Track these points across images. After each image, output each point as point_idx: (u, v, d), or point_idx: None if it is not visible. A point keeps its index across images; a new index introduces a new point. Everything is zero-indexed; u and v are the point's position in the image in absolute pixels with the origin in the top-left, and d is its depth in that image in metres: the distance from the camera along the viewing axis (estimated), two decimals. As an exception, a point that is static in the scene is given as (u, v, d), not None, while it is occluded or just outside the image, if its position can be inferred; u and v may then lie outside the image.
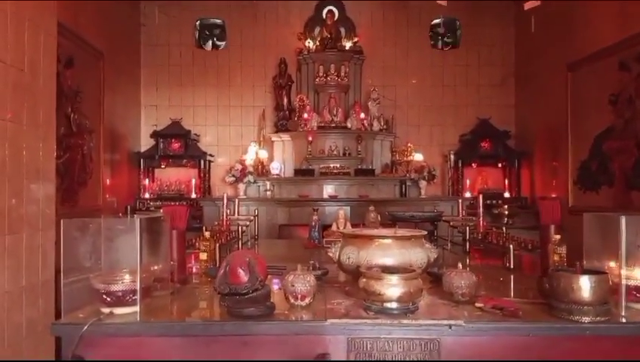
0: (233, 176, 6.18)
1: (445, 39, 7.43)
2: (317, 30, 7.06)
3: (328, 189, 6.38)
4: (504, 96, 7.33)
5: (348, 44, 6.93)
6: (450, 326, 1.57)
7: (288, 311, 1.72)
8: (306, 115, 6.48)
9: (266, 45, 7.25)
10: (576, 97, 5.78)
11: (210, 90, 7.36)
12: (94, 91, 5.80)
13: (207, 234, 2.39)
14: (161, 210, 2.35)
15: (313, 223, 3.89)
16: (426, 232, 2.03)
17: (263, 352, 1.60)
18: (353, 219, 4.92)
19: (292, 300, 1.75)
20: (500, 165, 7.02)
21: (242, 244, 3.46)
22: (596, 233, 1.89)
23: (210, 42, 7.45)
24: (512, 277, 2.53)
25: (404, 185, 6.48)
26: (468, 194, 6.57)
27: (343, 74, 6.73)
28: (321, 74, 6.72)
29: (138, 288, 1.67)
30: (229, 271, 1.71)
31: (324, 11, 7.05)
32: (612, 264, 1.78)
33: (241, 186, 6.27)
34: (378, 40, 7.24)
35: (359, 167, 6.47)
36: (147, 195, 6.89)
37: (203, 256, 2.36)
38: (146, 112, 7.42)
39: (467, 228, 3.44)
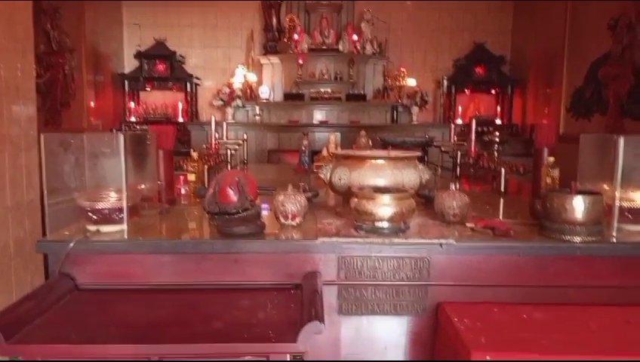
0: (221, 99, 6.02)
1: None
2: (308, -55, 6.65)
3: (318, 115, 6.26)
4: (501, 22, 7.08)
5: (341, -38, 6.56)
6: (441, 244, 1.57)
7: (279, 230, 1.71)
8: (296, 36, 6.23)
9: (255, -39, 6.83)
10: (575, 23, 5.59)
11: (195, 10, 7.00)
12: (75, 8, 5.50)
13: (194, 154, 2.33)
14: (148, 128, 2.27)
15: (303, 148, 3.84)
16: (419, 153, 1.98)
17: (253, 270, 1.59)
18: (344, 144, 4.87)
19: (282, 220, 1.73)
20: (493, 91, 6.91)
21: (231, 168, 3.41)
22: (592, 154, 1.86)
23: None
24: (502, 200, 2.53)
25: (395, 111, 6.38)
26: (460, 121, 6.50)
27: (335, -7, 6.43)
28: (312, -7, 6.40)
29: (124, 205, 1.63)
30: (218, 191, 1.66)
31: None
32: (605, 186, 1.76)
33: (229, 110, 6.13)
34: (373, -43, 6.84)
35: (350, 92, 6.32)
36: (133, 119, 6.72)
37: (191, 177, 2.31)
38: (128, 31, 7.07)
39: (458, 153, 3.40)
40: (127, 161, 1.68)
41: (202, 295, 1.53)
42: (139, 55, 6.78)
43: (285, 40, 6.45)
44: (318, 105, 6.27)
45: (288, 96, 6.28)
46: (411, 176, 1.85)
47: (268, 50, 6.61)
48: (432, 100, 6.90)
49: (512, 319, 1.47)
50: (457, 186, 1.83)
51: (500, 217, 2.11)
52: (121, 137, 1.59)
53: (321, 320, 1.21)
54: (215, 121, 3.73)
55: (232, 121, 6.11)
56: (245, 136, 4.23)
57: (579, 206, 1.55)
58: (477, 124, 6.70)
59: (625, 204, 1.71)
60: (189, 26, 7.04)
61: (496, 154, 3.28)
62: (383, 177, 1.84)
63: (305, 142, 3.96)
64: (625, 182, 1.72)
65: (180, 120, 6.61)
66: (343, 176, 1.86)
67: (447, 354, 1.46)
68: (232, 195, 1.65)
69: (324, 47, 6.39)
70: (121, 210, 1.65)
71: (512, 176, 2.75)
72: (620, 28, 4.91)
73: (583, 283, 1.60)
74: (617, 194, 1.66)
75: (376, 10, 6.72)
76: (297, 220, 1.73)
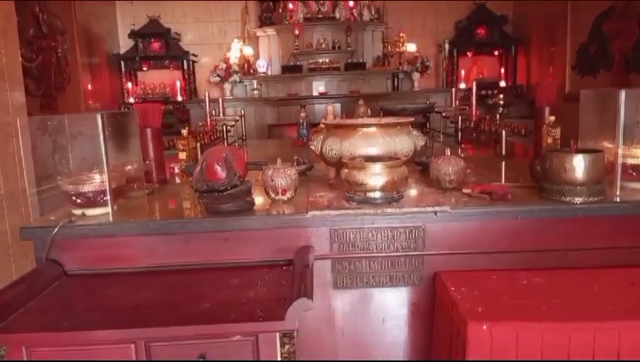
0: (218, 75, 5.92)
1: None
2: None
3: (318, 86, 6.15)
4: (502, -22, 6.85)
5: None
6: (435, 212, 1.51)
7: (270, 205, 1.66)
8: (291, 6, 6.07)
9: None
10: (578, -25, 5.39)
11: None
12: (61, -11, 5.38)
13: (184, 132, 2.27)
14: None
15: (301, 120, 3.76)
16: (412, 119, 1.91)
17: (243, 247, 1.55)
18: (344, 115, 4.78)
19: (273, 195, 1.68)
20: (496, 53, 6.73)
21: (228, 145, 3.36)
22: (593, 111, 1.78)
23: None
24: (503, 164, 2.46)
25: (396, 78, 6.25)
26: (463, 85, 6.36)
27: (329, -42, 6.23)
28: (305, -41, 6.21)
29: (107, 187, 1.59)
30: (205, 168, 1.61)
31: None
32: (608, 143, 1.69)
33: (227, 86, 6.04)
34: None
35: (349, 60, 6.18)
36: (132, 100, 6.65)
37: (182, 155, 2.26)
38: (121, 10, 6.94)
39: (459, 117, 3.32)
40: (109, 141, 1.63)
41: (192, 275, 1.50)
42: (133, 34, 6.66)
43: (280, 10, 6.29)
44: (316, 76, 6.15)
45: (286, 69, 6.16)
46: (404, 143, 1.79)
47: (263, 22, 6.46)
48: (434, 65, 6.73)
49: (511, 286, 1.42)
50: (459, 152, 1.76)
51: (502, 181, 2.04)
52: (99, 117, 1.53)
53: (310, 296, 1.17)
54: (209, 98, 3.67)
55: (231, 97, 6.02)
56: (243, 112, 4.16)
57: (579, 165, 1.48)
58: (481, 87, 6.58)
59: (628, 161, 1.64)
60: (182, 0, 6.89)
61: (498, 117, 3.20)
62: (375, 146, 1.77)
63: (302, 114, 3.88)
64: (628, 139, 1.65)
65: (179, 98, 6.53)
66: (333, 147, 1.80)
67: (446, 324, 1.42)
68: (220, 172, 1.60)
69: (321, 16, 6.22)
70: (105, 192, 1.60)
71: (514, 138, 2.67)
72: (623, -21, 4.73)
73: (585, 245, 1.54)
74: (620, 151, 1.59)
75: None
76: (288, 195, 1.67)
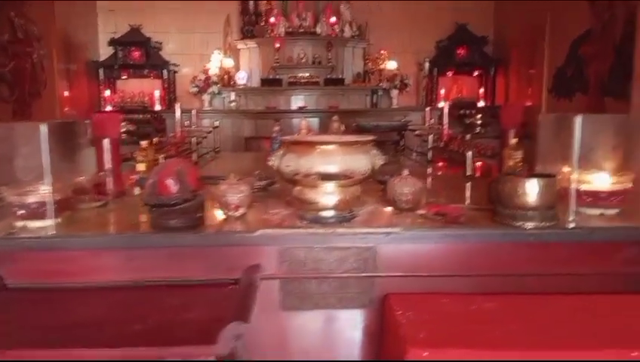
0: (196, 86, 5.89)
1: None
2: None
3: (297, 100, 6.14)
4: (483, 1, 6.94)
5: (318, -59, 6.38)
6: (386, 233, 1.48)
7: (221, 222, 1.62)
8: (272, 19, 6.08)
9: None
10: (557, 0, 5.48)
11: (171, -7, 6.82)
12: (44, -5, 5.33)
13: (143, 143, 2.22)
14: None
15: (274, 134, 3.73)
16: (371, 138, 1.88)
17: (189, 265, 1.51)
18: (322, 130, 4.77)
19: (225, 211, 1.64)
20: (475, 73, 6.80)
21: (198, 157, 3.31)
22: (552, 136, 1.78)
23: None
24: (469, 184, 2.44)
25: (375, 95, 6.27)
26: (442, 104, 6.39)
27: (312, -26, 6.26)
28: (288, -26, 6.24)
29: (50, 199, 1.53)
30: (157, 182, 1.57)
31: None
32: (566, 169, 1.68)
33: (206, 97, 6.00)
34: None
35: (329, 76, 6.19)
36: (109, 108, 6.57)
37: (141, 166, 2.20)
38: (103, 18, 6.89)
39: (430, 136, 3.32)
40: (57, 152, 1.58)
41: (134, 293, 1.44)
42: (113, 42, 6.61)
43: (262, 23, 6.29)
44: (296, 90, 6.14)
45: (265, 82, 6.15)
46: (362, 162, 1.76)
47: (245, 35, 6.46)
48: (415, 83, 6.78)
49: (461, 310, 1.38)
50: (429, 171, 1.74)
51: (462, 202, 2.03)
52: (44, 127, 1.49)
53: (245, 318, 1.13)
54: (183, 108, 3.64)
55: (209, 108, 5.98)
56: (217, 123, 4.12)
57: (530, 190, 1.46)
58: (459, 107, 6.63)
59: (584, 187, 1.63)
60: (165, 10, 6.86)
61: (468, 136, 3.20)
62: (334, 163, 1.73)
63: (276, 128, 3.85)
64: (584, 164, 1.64)
65: (158, 108, 6.47)
66: (290, 163, 1.76)
67: (392, 348, 1.38)
68: (172, 186, 1.55)
69: (302, 31, 6.24)
70: (49, 204, 1.55)
71: (481, 158, 2.67)
72: (600, 4, 4.81)
73: (538, 271, 1.52)
74: (575, 176, 1.58)
75: (356, -9, 6.56)
76: (241, 211, 1.63)
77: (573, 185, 1.58)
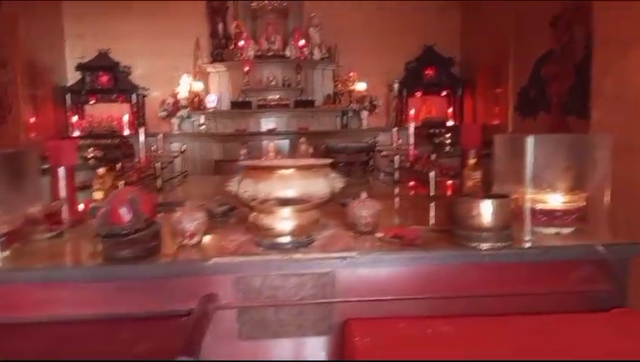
0: (165, 110, 5.84)
1: (389, -39, 7.02)
2: (253, -50, 6.53)
3: (267, 122, 6.14)
4: (450, 23, 7.09)
5: (286, -34, 6.46)
6: (343, 258, 1.47)
7: (176, 251, 1.57)
8: (242, 43, 6.10)
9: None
10: (520, 21, 5.63)
11: (140, 18, 6.78)
12: (6, 20, 5.24)
13: (101, 170, 2.17)
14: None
15: (242, 157, 3.72)
16: (329, 161, 1.88)
17: (142, 297, 1.46)
18: (292, 152, 4.76)
19: (180, 239, 1.60)
20: (444, 93, 6.91)
21: (163, 182, 3.26)
22: (507, 156, 1.80)
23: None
24: (433, 205, 2.45)
25: (345, 116, 6.31)
26: (412, 124, 6.46)
27: (281, -3, 6.33)
28: (257, -3, 6.29)
29: (-6, 233, 1.48)
30: (109, 211, 1.53)
31: None
32: (522, 188, 1.70)
33: (175, 121, 5.96)
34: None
35: (299, 98, 6.22)
36: (77, 133, 6.46)
37: (98, 195, 2.15)
38: (71, 43, 6.82)
39: (397, 157, 3.34)
40: (4, 182, 1.53)
41: (82, 328, 1.39)
42: (80, 67, 6.54)
43: (232, 47, 6.31)
44: (266, 112, 6.15)
45: (235, 105, 6.13)
46: (320, 185, 1.75)
47: (214, 58, 6.46)
48: (385, 104, 6.85)
49: (418, 334, 1.37)
50: (396, 191, 1.74)
51: (423, 223, 2.02)
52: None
53: (192, 352, 1.09)
54: (150, 133, 3.60)
55: (178, 132, 5.94)
56: (184, 148, 4.08)
57: (485, 211, 1.47)
58: (429, 126, 6.71)
59: (539, 206, 1.65)
60: (133, 35, 6.83)
61: (434, 156, 3.22)
62: (292, 188, 1.72)
63: (243, 151, 3.84)
64: (538, 183, 1.66)
65: (127, 132, 6.38)
66: (248, 189, 1.74)
67: (350, 377, 1.35)
68: (124, 215, 1.51)
69: (271, 54, 6.27)
70: (-5, 236, 1.49)
71: (444, 178, 2.69)
72: (560, 25, 4.96)
73: (495, 292, 1.52)
74: (527, 196, 1.60)
75: (324, 14, 6.64)
76: (196, 239, 1.60)
77: (528, 205, 1.59)
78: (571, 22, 4.73)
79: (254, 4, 6.31)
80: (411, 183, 3.12)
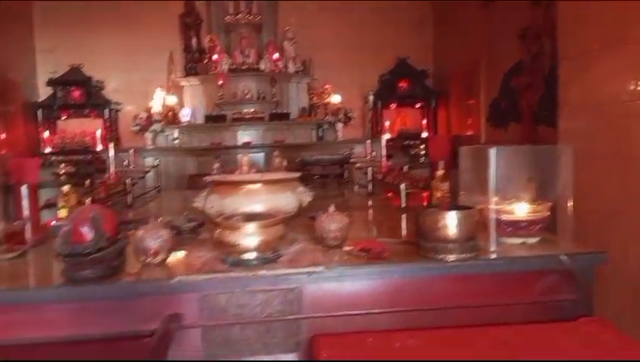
0: (138, 125, 5.77)
1: (362, -25, 7.10)
2: (226, -35, 6.54)
3: (242, 136, 6.12)
4: (422, 36, 7.20)
5: (260, -20, 6.48)
6: (309, 273, 1.45)
7: (140, 269, 1.54)
8: (215, 57, 6.08)
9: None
10: (489, 34, 5.74)
11: (113, 32, 6.73)
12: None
13: (65, 188, 2.13)
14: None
15: (215, 172, 3.68)
16: (297, 174, 1.87)
17: (104, 318, 1.42)
18: (268, 165, 4.74)
19: (143, 258, 1.57)
20: (418, 105, 6.99)
21: (134, 198, 3.21)
22: (472, 167, 1.81)
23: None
24: (404, 216, 2.46)
25: (321, 129, 6.33)
26: (387, 136, 6.49)
27: (255, 11, 6.33)
28: (231, 11, 6.28)
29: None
30: (71, 230, 1.50)
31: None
32: (487, 199, 1.71)
33: (149, 135, 5.89)
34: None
35: (274, 111, 6.22)
36: (49, 150, 6.34)
37: (62, 213, 2.10)
38: (42, 58, 6.72)
39: (370, 169, 3.35)
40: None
41: (42, 350, 1.35)
42: (51, 82, 6.45)
43: (206, 61, 6.29)
44: (241, 126, 6.12)
45: (209, 118, 6.10)
46: (288, 200, 1.74)
47: (188, 72, 6.43)
48: (360, 116, 6.91)
49: (385, 349, 1.36)
50: (370, 203, 1.73)
51: (402, 235, 2.03)
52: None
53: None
54: (123, 147, 3.54)
55: (152, 147, 5.87)
56: (157, 162, 4.03)
57: (450, 222, 1.47)
58: (404, 138, 6.76)
59: (505, 217, 1.66)
60: (106, 49, 6.77)
61: (406, 168, 3.24)
62: (259, 203, 1.70)
63: (216, 165, 3.81)
64: (503, 194, 1.68)
65: (100, 148, 6.29)
66: (214, 204, 1.72)
67: (317, 394, 1.33)
68: (86, 234, 1.48)
69: (245, 67, 6.27)
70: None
71: (415, 190, 2.70)
72: (529, 37, 5.07)
73: (462, 303, 1.52)
74: (492, 206, 1.61)
75: (298, 28, 6.68)
76: (160, 257, 1.57)
77: (493, 216, 1.60)
78: (539, 34, 4.85)
79: (228, 18, 6.31)
80: (389, 194, 3.13)
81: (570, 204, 1.64)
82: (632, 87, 2.62)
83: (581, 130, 3.02)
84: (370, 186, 3.31)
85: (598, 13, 2.85)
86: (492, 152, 1.59)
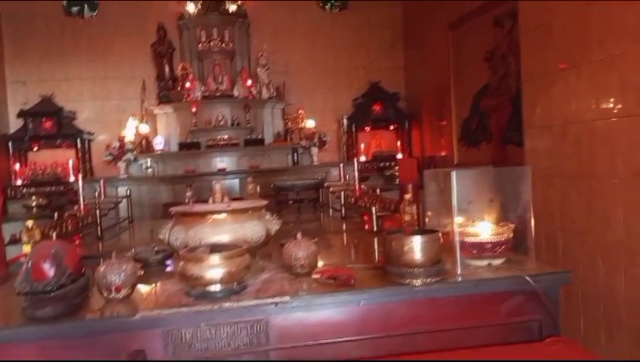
0: (111, 154, 5.72)
1: (333, 1, 7.24)
2: (197, -7, 6.60)
3: (217, 162, 6.10)
4: (394, 59, 7.34)
5: (232, 7, 6.55)
6: (275, 303, 1.44)
7: (103, 306, 1.51)
8: (188, 84, 6.09)
9: (143, 10, 6.67)
10: (457, 56, 5.88)
11: (83, 62, 6.72)
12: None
13: (29, 223, 2.09)
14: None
15: (187, 201, 3.64)
16: (265, 202, 1.87)
17: (65, 357, 1.38)
18: (243, 191, 4.71)
19: (106, 293, 1.53)
20: (391, 127, 7.08)
21: (103, 230, 3.15)
22: (437, 190, 1.83)
23: (80, 9, 6.72)
24: (375, 241, 2.46)
25: (296, 153, 6.35)
26: (363, 158, 6.56)
27: (227, 39, 6.38)
28: (203, 39, 6.32)
29: None
30: (31, 267, 1.46)
31: (204, -28, 6.59)
32: (451, 222, 1.73)
33: (122, 165, 5.83)
34: (264, 3, 6.90)
35: (249, 137, 6.23)
36: (19, 182, 6.22)
37: (27, 248, 2.06)
38: (13, 89, 6.66)
39: (342, 192, 3.36)
40: None
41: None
42: (22, 114, 6.37)
43: (179, 88, 6.30)
44: (215, 152, 6.11)
45: (183, 146, 6.08)
46: (255, 228, 1.73)
47: (161, 100, 6.42)
48: (336, 139, 6.96)
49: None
50: (344, 227, 1.73)
51: (375, 260, 2.02)
52: None
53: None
54: (95, 177, 3.49)
55: (125, 176, 5.81)
56: (128, 192, 3.98)
57: (415, 246, 1.48)
58: (379, 160, 6.81)
59: (469, 239, 1.68)
60: (78, 79, 6.75)
61: (378, 191, 3.26)
62: (225, 233, 1.70)
63: (188, 193, 3.77)
64: (468, 216, 1.70)
65: (72, 179, 6.19)
66: (179, 236, 1.70)
67: None
68: (47, 270, 1.45)
69: (218, 94, 6.29)
70: None
71: (386, 213, 2.71)
72: (495, 59, 5.20)
73: (430, 327, 1.52)
74: (456, 229, 1.63)
75: (272, 52, 6.75)
76: (124, 292, 1.53)
77: (457, 238, 1.62)
78: (505, 56, 4.98)
79: (200, 45, 6.34)
80: (365, 218, 3.13)
81: (531, 224, 1.67)
82: (593, 107, 2.70)
83: (546, 149, 3.09)
84: (343, 210, 3.31)
85: (559, 36, 2.94)
86: (453, 175, 1.61)
